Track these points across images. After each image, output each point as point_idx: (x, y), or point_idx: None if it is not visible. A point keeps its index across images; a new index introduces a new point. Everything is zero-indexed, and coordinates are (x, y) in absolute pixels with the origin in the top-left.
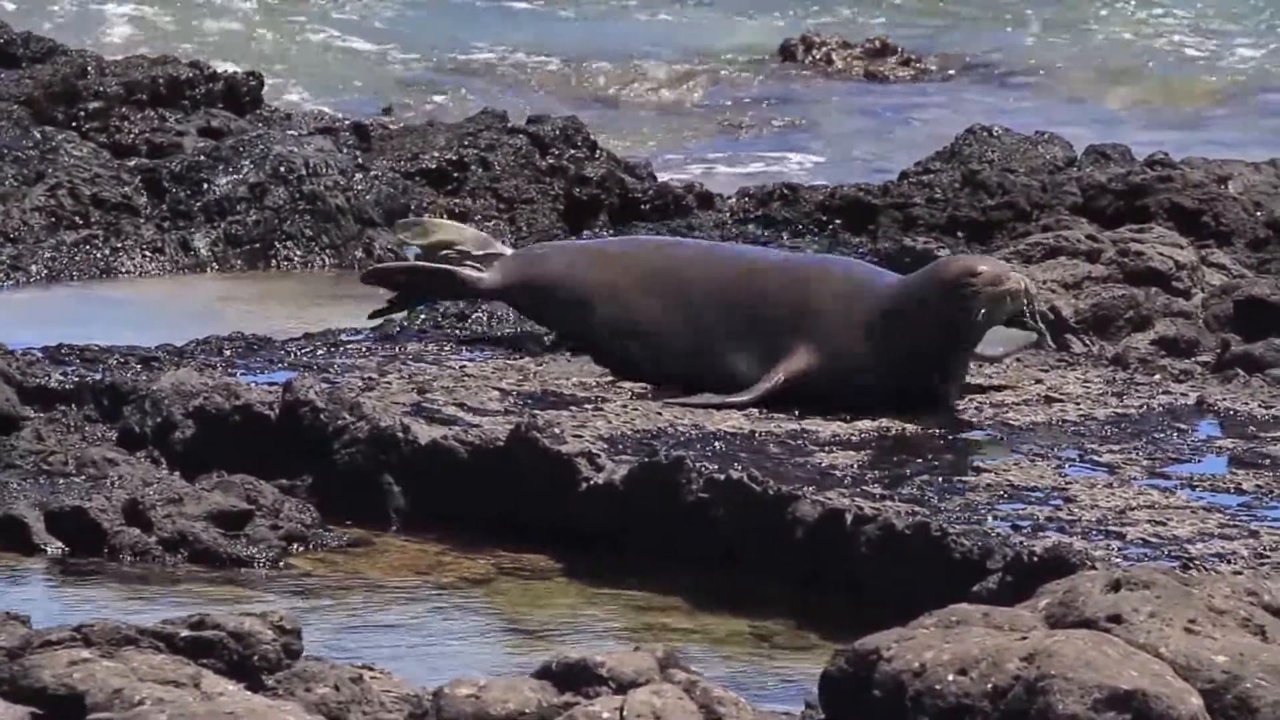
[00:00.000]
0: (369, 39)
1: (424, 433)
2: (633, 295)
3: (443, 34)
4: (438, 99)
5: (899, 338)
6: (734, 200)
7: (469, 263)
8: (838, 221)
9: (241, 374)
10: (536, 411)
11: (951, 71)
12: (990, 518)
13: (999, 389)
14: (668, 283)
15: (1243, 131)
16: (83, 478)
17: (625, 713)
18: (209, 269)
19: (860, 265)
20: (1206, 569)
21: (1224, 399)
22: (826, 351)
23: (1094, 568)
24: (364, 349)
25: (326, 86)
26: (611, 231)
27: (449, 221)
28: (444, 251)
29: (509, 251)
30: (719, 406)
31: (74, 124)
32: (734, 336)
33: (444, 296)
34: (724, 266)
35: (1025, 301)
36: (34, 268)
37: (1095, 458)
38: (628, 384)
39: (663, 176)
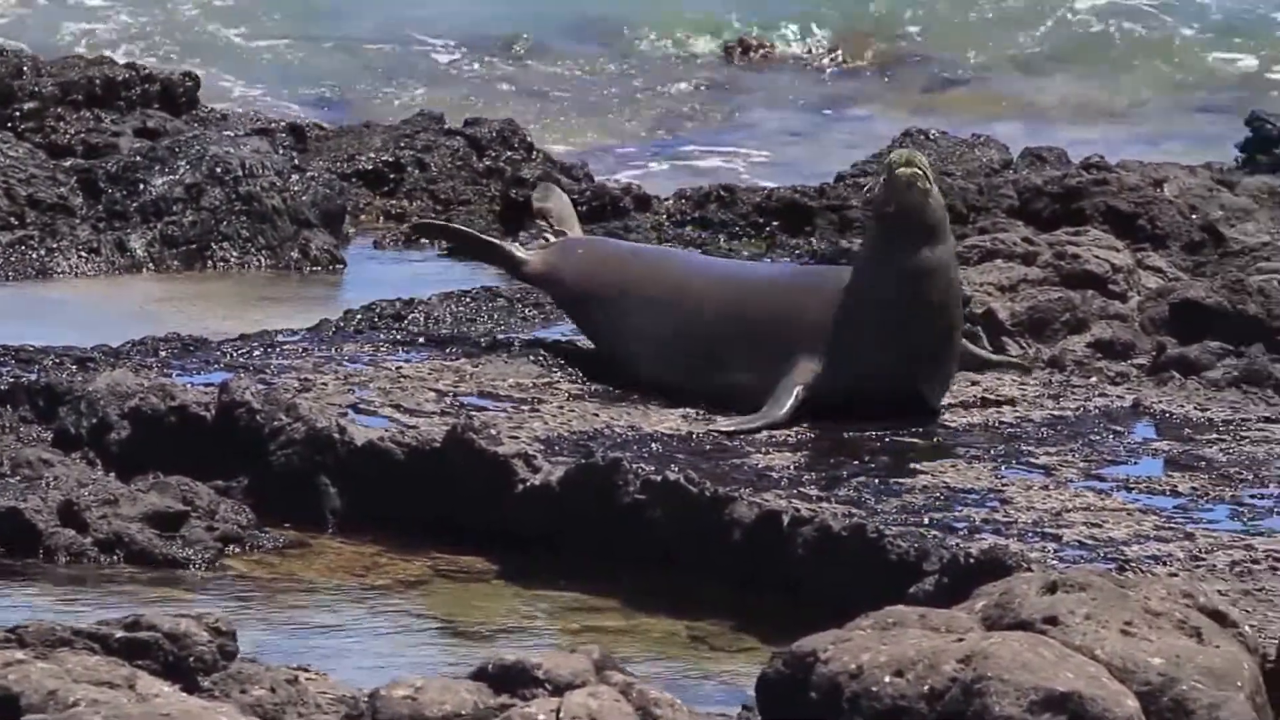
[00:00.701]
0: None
1: (360, 434)
2: (643, 303)
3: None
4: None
5: (880, 316)
6: (671, 202)
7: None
8: (775, 223)
9: (177, 375)
10: (473, 413)
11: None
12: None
13: None
14: (683, 293)
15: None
16: (18, 479)
17: (561, 714)
18: (145, 270)
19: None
20: (1142, 571)
21: (1160, 401)
22: (831, 359)
23: (1030, 570)
24: (300, 350)
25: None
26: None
27: (568, 201)
28: (541, 220)
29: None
30: (757, 429)
31: (9, 124)
32: (739, 350)
33: (488, 263)
34: (735, 279)
35: (922, 173)
36: None
37: (1032, 460)
38: (565, 385)
39: (600, 176)
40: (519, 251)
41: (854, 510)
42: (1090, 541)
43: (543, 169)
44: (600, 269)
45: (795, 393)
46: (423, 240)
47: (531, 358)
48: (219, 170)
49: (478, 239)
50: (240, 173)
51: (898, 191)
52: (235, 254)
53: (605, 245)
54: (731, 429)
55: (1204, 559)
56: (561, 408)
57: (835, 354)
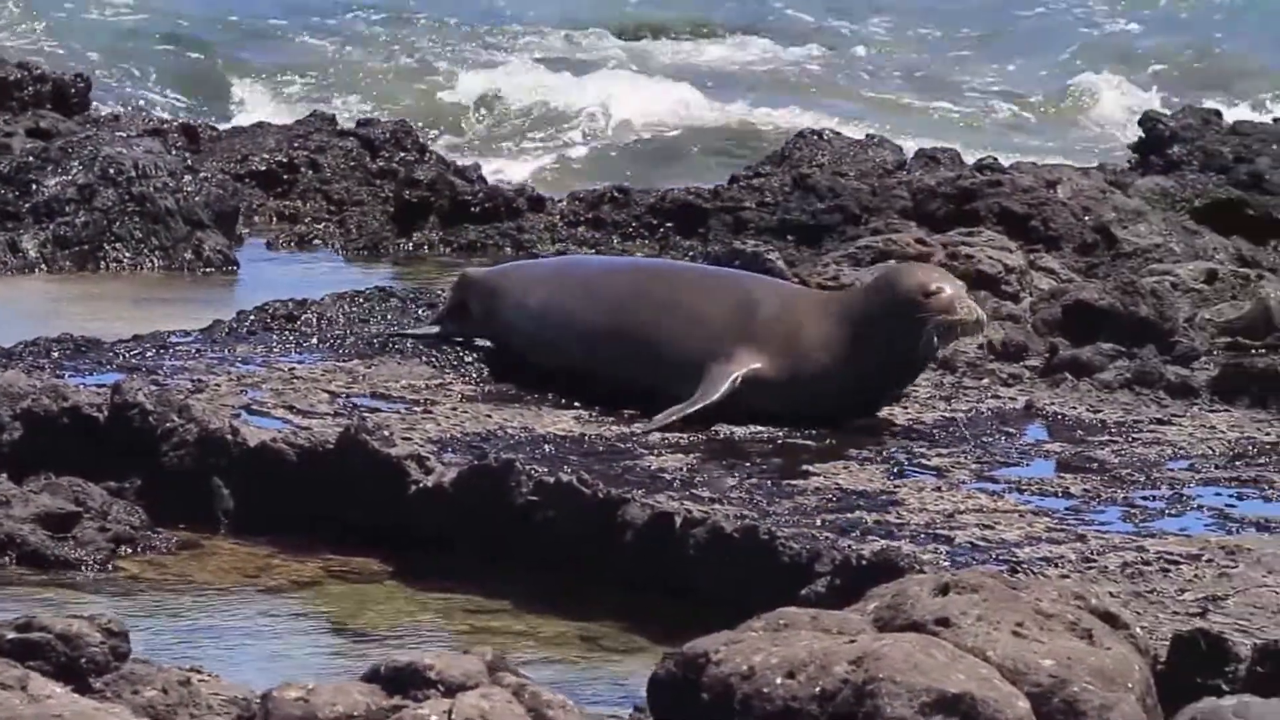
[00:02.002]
0: None
1: (253, 435)
2: (574, 310)
3: None
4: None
5: (848, 348)
6: (564, 203)
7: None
8: (668, 224)
9: (70, 376)
10: (366, 414)
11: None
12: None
13: None
14: (606, 296)
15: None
16: None
17: (454, 716)
18: (37, 270)
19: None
20: (1034, 573)
21: (1052, 403)
22: (777, 357)
23: (922, 571)
24: (193, 351)
25: None
26: (441, 234)
27: None
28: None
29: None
30: (684, 413)
31: None
32: (675, 347)
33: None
34: (662, 279)
35: (975, 332)
36: None
37: (924, 461)
38: (458, 387)
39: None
40: (427, 328)
41: (746, 512)
42: (982, 543)
43: (436, 170)
44: (529, 288)
45: (732, 378)
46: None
47: (424, 359)
48: (112, 171)
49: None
50: (133, 173)
51: (944, 339)
52: (128, 255)
53: (518, 268)
54: (663, 421)
55: (1095, 561)
56: (455, 409)
57: (785, 355)
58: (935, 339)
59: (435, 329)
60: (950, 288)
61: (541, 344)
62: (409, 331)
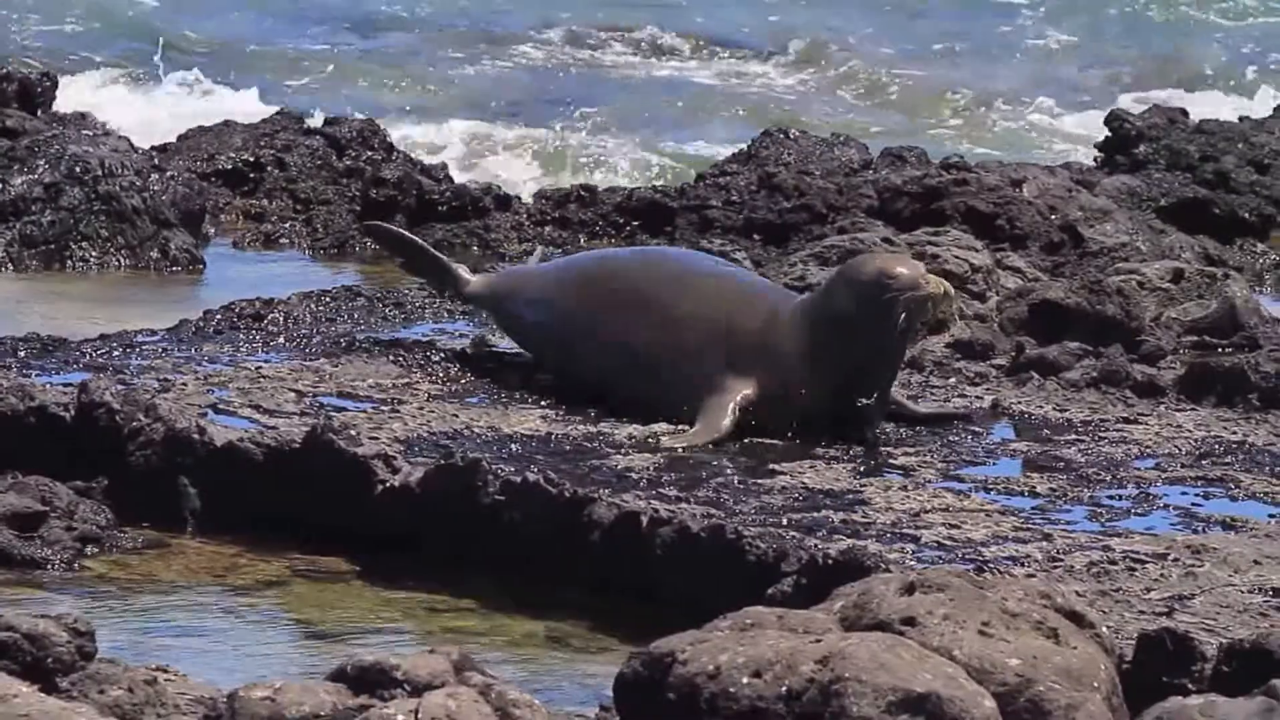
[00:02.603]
0: None
1: (220, 434)
2: (579, 317)
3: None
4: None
5: (827, 353)
6: (531, 202)
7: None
8: (635, 223)
9: (37, 375)
10: (332, 413)
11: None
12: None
13: None
14: (615, 305)
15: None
16: None
17: (420, 715)
18: (4, 270)
19: (768, 284)
20: (1000, 572)
21: (1018, 402)
22: (764, 376)
23: (888, 570)
24: (159, 350)
25: None
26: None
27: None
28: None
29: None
30: (692, 444)
31: None
32: (668, 374)
33: (429, 283)
34: (662, 284)
35: (946, 305)
36: None
37: (890, 460)
38: (425, 386)
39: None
40: (464, 273)
41: (713, 511)
42: (948, 542)
43: (403, 169)
44: (540, 290)
45: (731, 411)
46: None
47: (391, 358)
48: (78, 170)
49: (428, 253)
50: (100, 172)
51: (916, 316)
52: (95, 254)
53: (547, 267)
54: (670, 446)
55: (1061, 560)
56: (421, 408)
57: (771, 373)
58: (907, 317)
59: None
60: (908, 267)
61: (551, 352)
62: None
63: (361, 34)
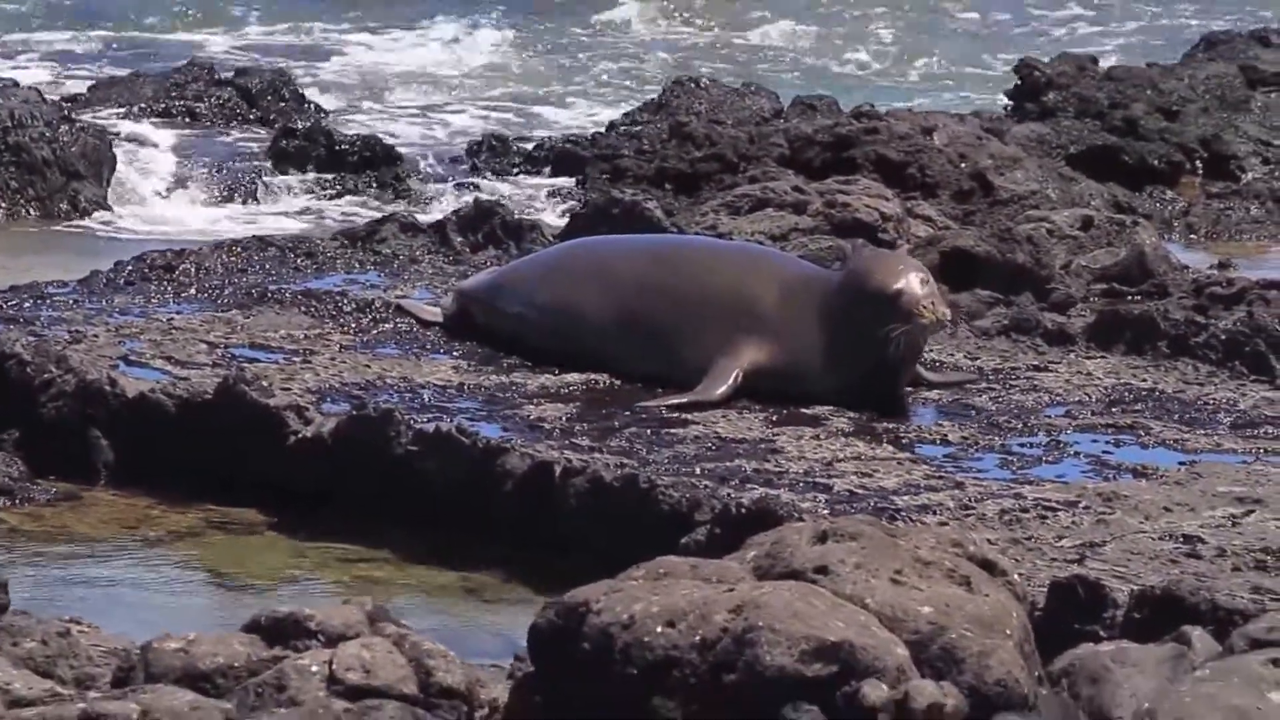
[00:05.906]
0: None
1: (131, 386)
2: (576, 299)
3: None
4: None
5: (839, 339)
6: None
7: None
8: (546, 170)
9: None
10: (244, 364)
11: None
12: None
13: None
14: (607, 282)
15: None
16: None
17: (334, 666)
18: None
19: (791, 259)
20: (912, 520)
21: (930, 350)
22: (773, 346)
23: (801, 519)
24: (70, 302)
25: None
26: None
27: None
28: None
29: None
30: (683, 404)
31: None
32: (681, 342)
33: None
34: (665, 261)
35: (940, 330)
36: None
37: (803, 410)
38: (336, 337)
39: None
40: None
41: (626, 461)
42: (861, 491)
43: (314, 119)
44: (529, 278)
45: (734, 375)
46: None
47: (303, 309)
48: None
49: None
50: (9, 123)
51: (913, 341)
52: (4, 205)
53: (511, 266)
54: (659, 405)
55: (973, 508)
56: (333, 359)
57: (781, 345)
58: (898, 348)
59: (438, 316)
60: (909, 292)
61: (554, 338)
62: (410, 308)
63: None
